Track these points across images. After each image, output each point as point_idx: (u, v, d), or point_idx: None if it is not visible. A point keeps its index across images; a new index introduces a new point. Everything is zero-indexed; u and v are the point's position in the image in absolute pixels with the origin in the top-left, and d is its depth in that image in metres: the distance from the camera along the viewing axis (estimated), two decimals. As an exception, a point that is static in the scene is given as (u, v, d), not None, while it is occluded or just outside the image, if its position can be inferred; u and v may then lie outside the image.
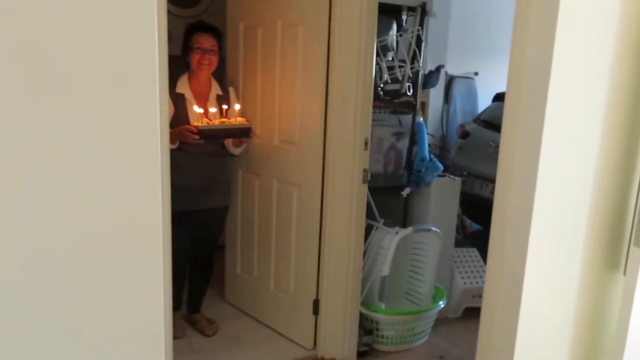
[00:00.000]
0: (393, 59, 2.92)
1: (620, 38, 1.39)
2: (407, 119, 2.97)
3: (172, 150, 2.18)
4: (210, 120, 2.34)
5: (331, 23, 2.24)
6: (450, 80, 4.63)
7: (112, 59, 1.31)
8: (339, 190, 2.35)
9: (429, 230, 2.73)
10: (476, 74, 4.75)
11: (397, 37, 2.92)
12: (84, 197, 1.33)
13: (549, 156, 1.40)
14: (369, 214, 2.72)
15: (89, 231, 1.35)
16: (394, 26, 2.95)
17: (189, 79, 2.46)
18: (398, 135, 2.98)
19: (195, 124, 2.29)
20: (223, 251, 2.99)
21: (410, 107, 2.97)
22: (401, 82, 2.87)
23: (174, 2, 3.45)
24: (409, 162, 2.94)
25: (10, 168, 1.24)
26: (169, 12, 3.52)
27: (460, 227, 3.40)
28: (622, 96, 1.44)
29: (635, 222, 1.48)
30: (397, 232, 2.63)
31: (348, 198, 2.34)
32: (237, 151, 2.60)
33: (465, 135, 4.18)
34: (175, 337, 2.47)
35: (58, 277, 1.34)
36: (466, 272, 3.04)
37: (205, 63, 2.40)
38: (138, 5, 1.32)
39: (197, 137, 2.26)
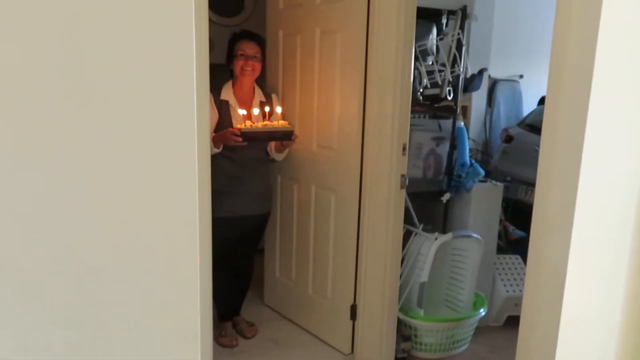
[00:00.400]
0: (433, 64, 2.90)
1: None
2: (447, 123, 2.94)
3: (216, 158, 2.32)
4: (253, 123, 2.36)
5: (369, 29, 2.25)
6: (493, 83, 4.54)
7: (150, 67, 1.36)
8: (376, 195, 2.35)
9: (469, 236, 2.69)
10: (521, 76, 4.64)
11: (437, 41, 2.89)
12: (123, 201, 1.39)
13: (591, 159, 1.36)
14: (408, 220, 2.71)
15: (127, 238, 1.41)
16: (434, 30, 2.92)
17: (233, 86, 2.51)
18: (438, 140, 2.95)
19: (238, 126, 2.32)
20: (262, 254, 3.03)
21: (450, 111, 2.94)
22: (441, 87, 2.84)
23: (217, 11, 3.55)
24: (449, 168, 2.90)
25: (56, 175, 1.32)
26: (211, 20, 3.64)
27: (503, 233, 3.33)
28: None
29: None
30: (436, 238, 2.60)
31: (385, 203, 2.33)
32: (279, 157, 2.62)
33: (509, 139, 4.09)
34: (228, 346, 2.62)
35: (101, 282, 1.40)
36: (509, 279, 2.97)
37: (248, 69, 2.45)
38: (176, 15, 1.37)
39: (239, 139, 2.29)
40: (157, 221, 1.44)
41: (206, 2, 1.84)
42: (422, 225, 2.72)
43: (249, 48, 2.45)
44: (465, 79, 3.39)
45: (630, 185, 1.42)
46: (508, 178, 3.63)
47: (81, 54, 1.29)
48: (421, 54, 2.80)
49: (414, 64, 2.76)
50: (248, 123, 2.33)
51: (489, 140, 4.44)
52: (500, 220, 3.28)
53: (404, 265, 2.63)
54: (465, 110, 3.97)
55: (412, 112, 2.88)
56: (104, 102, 1.33)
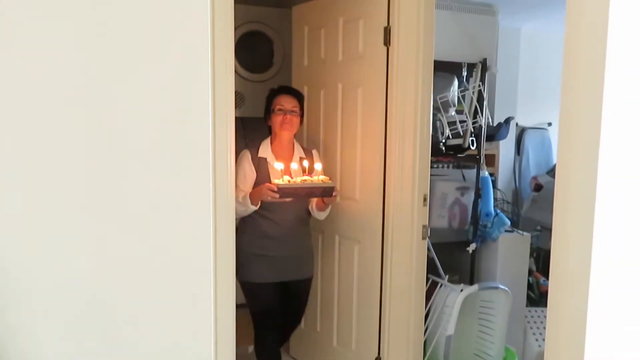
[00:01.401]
0: (455, 114, 2.94)
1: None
2: (471, 173, 2.94)
3: (254, 218, 2.33)
4: (292, 179, 2.23)
5: (388, 84, 2.33)
6: (521, 131, 4.53)
7: (167, 127, 1.45)
8: (398, 246, 2.35)
9: (497, 287, 2.63)
10: (549, 124, 4.61)
11: (458, 92, 2.95)
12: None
13: (604, 209, 1.35)
14: (434, 271, 2.68)
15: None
16: (455, 82, 2.98)
17: (272, 142, 2.43)
18: (462, 190, 2.95)
19: (276, 181, 2.18)
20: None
21: (474, 161, 2.95)
22: (463, 137, 2.87)
23: (247, 67, 3.72)
24: (475, 217, 2.88)
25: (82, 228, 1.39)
26: (240, 76, 3.80)
27: (535, 285, 3.24)
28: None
29: None
30: (461, 290, 2.56)
31: (408, 254, 2.32)
32: (321, 215, 2.47)
33: (538, 188, 4.04)
34: None
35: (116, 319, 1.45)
36: (541, 333, 2.87)
37: (286, 124, 2.37)
38: (194, 82, 1.46)
39: (276, 195, 2.15)
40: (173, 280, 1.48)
41: (232, 58, 1.97)
42: (447, 276, 2.69)
43: (287, 102, 2.39)
44: (492, 128, 3.42)
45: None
46: (538, 227, 3.56)
47: (104, 117, 1.39)
48: (443, 106, 2.85)
49: (436, 115, 2.82)
50: (286, 178, 2.20)
51: (519, 188, 4.39)
52: (531, 271, 3.20)
53: (429, 317, 2.59)
54: (492, 159, 3.97)
55: (435, 162, 2.92)
56: (124, 159, 1.42)
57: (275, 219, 2.35)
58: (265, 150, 2.41)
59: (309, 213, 2.48)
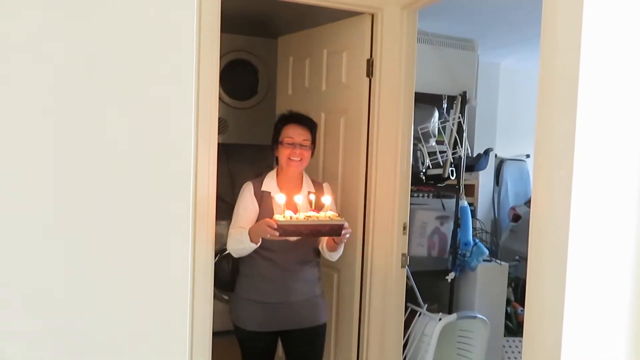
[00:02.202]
0: (436, 145, 3.00)
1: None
2: (451, 202, 2.99)
3: (254, 260, 2.08)
4: (295, 214, 1.95)
5: (370, 114, 2.38)
6: (500, 162, 4.63)
7: (150, 152, 1.46)
8: (378, 274, 2.36)
9: (475, 317, 2.65)
10: (527, 156, 4.72)
11: (439, 124, 3.01)
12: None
13: (578, 239, 1.39)
14: (413, 299, 2.69)
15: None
16: (436, 114, 3.06)
17: (278, 174, 2.18)
18: (442, 219, 2.99)
19: (276, 217, 1.91)
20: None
21: (453, 190, 3.00)
22: (443, 167, 2.93)
23: (230, 94, 3.76)
24: (454, 246, 2.92)
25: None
26: (224, 102, 3.84)
27: (513, 314, 3.26)
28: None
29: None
30: (440, 319, 2.57)
31: (387, 282, 2.34)
32: (333, 256, 2.15)
33: (516, 218, 4.10)
34: None
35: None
36: (519, 364, 2.88)
37: (295, 159, 2.10)
38: (177, 106, 1.49)
39: (276, 232, 1.86)
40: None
41: (216, 85, 2.00)
42: (426, 305, 2.70)
43: (297, 134, 2.11)
44: (471, 159, 3.49)
45: (622, 269, 1.43)
46: (516, 257, 3.61)
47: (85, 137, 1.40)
48: (423, 136, 2.92)
49: (417, 145, 2.88)
50: (288, 214, 1.93)
51: (498, 218, 4.45)
52: (509, 301, 3.23)
53: (408, 346, 2.59)
54: (472, 189, 4.04)
55: (416, 191, 2.97)
56: (107, 179, 1.42)
57: (277, 260, 2.08)
58: (270, 183, 2.16)
59: (319, 253, 2.19)
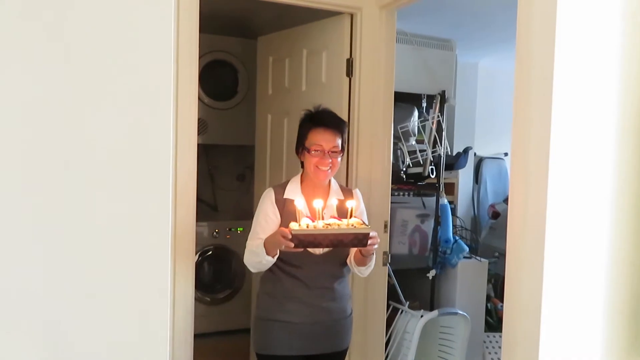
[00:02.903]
0: (416, 144, 3.03)
1: (620, 133, 1.44)
2: (431, 200, 3.02)
3: (275, 274, 1.86)
4: (313, 221, 1.68)
5: (350, 113, 2.39)
6: (479, 161, 4.69)
7: (129, 150, 1.45)
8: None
9: (456, 313, 2.68)
10: (506, 154, 4.79)
11: (418, 123, 3.04)
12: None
13: (554, 236, 1.42)
14: (394, 297, 2.71)
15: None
16: (416, 113, 3.08)
17: (302, 180, 1.93)
18: (422, 217, 3.02)
19: (292, 226, 1.66)
20: (248, 334, 2.99)
21: (434, 189, 3.03)
22: (423, 166, 2.95)
23: (210, 95, 3.74)
24: (435, 244, 2.95)
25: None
26: (204, 103, 3.82)
27: (493, 310, 3.31)
28: (632, 177, 1.47)
29: (653, 306, 1.45)
30: (422, 316, 2.59)
31: (369, 280, 2.35)
32: (362, 271, 1.90)
33: (496, 215, 4.16)
34: None
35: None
36: (499, 358, 2.92)
37: (324, 169, 1.85)
38: (156, 107, 1.47)
39: (291, 243, 1.63)
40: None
41: (196, 86, 1.99)
42: (408, 303, 2.72)
43: (326, 142, 1.84)
44: (451, 157, 3.54)
45: (598, 266, 1.47)
46: (496, 254, 3.66)
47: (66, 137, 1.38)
48: (403, 135, 2.94)
49: (397, 144, 2.90)
50: (304, 222, 1.67)
51: (477, 216, 4.51)
52: (489, 297, 3.28)
53: (390, 344, 2.61)
54: (452, 187, 4.08)
55: (396, 190, 2.99)
56: (86, 178, 1.40)
57: (301, 276, 1.85)
58: (293, 189, 1.91)
59: (346, 268, 1.94)
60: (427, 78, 2.96)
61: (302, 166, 1.92)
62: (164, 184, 1.48)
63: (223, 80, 3.82)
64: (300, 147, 1.91)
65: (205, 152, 3.82)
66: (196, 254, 2.04)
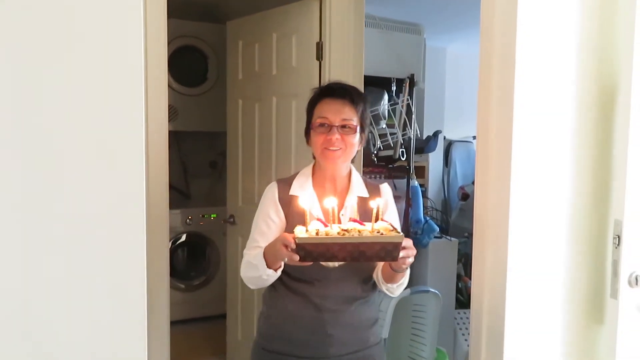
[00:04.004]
0: (386, 127, 3.07)
1: (581, 110, 1.51)
2: (402, 183, 3.08)
3: (280, 296, 1.50)
4: (326, 226, 1.27)
5: (321, 97, 2.41)
6: (449, 144, 4.78)
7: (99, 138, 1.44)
8: (333, 254, 2.41)
9: (428, 291, 2.75)
10: (474, 137, 4.89)
11: (388, 106, 3.08)
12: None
13: (517, 215, 1.47)
14: (368, 277, 2.76)
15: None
16: (385, 96, 3.12)
17: (314, 172, 1.55)
18: (394, 199, 3.06)
19: (297, 232, 1.26)
20: (225, 319, 3.02)
21: (404, 171, 3.09)
22: (394, 149, 3.00)
23: (179, 81, 3.70)
24: (406, 225, 3.01)
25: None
26: (174, 90, 3.79)
27: (464, 288, 3.40)
28: (590, 157, 1.53)
29: (610, 276, 1.52)
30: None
31: (343, 261, 2.39)
32: (393, 290, 1.52)
33: (465, 197, 4.26)
34: None
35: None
36: (469, 334, 3.01)
37: (333, 149, 1.45)
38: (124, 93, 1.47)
39: (295, 256, 1.23)
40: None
41: (165, 72, 1.98)
42: (381, 283, 2.78)
43: (333, 112, 1.45)
44: (421, 141, 3.59)
45: (558, 237, 1.53)
46: (465, 234, 3.76)
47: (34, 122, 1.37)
48: (374, 118, 2.97)
49: (368, 127, 2.93)
50: (315, 227, 1.27)
51: (448, 198, 4.60)
52: (460, 276, 3.37)
53: (365, 323, 2.66)
54: (422, 170, 4.16)
55: (368, 172, 3.03)
56: (54, 169, 1.39)
57: (312, 295, 1.46)
58: (302, 183, 1.53)
59: (375, 285, 1.55)
60: (396, 62, 3.00)
61: (314, 157, 1.56)
62: (136, 171, 1.48)
63: (193, 66, 3.78)
64: (308, 127, 1.54)
65: (177, 139, 3.79)
66: (170, 241, 2.04)
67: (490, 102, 1.51)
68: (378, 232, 1.25)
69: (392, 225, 1.30)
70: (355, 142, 1.48)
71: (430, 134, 4.02)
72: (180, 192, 4.10)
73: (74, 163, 1.40)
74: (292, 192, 1.51)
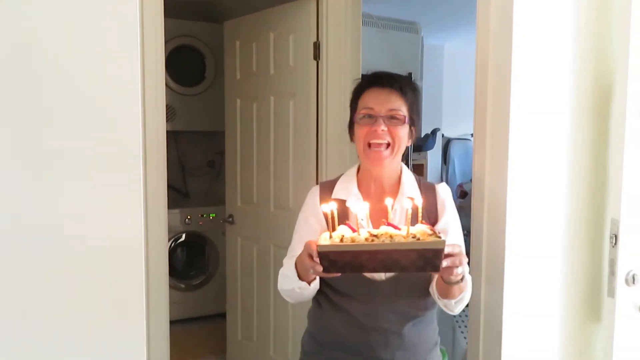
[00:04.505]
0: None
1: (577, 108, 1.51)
2: (400, 181, 3.08)
3: (323, 309, 1.36)
4: (354, 231, 1.13)
5: (319, 96, 2.41)
6: (447, 142, 4.78)
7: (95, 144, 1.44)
8: (332, 253, 2.41)
9: (426, 290, 2.76)
10: (472, 135, 4.90)
11: (386, 105, 3.08)
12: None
13: (514, 214, 1.48)
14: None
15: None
16: (383, 95, 3.12)
17: (359, 173, 1.40)
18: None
19: (322, 238, 1.13)
20: (224, 318, 3.02)
21: (402, 170, 3.09)
22: (392, 147, 3.01)
23: (177, 81, 3.70)
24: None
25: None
26: (172, 89, 3.78)
27: (462, 286, 3.41)
28: (586, 156, 1.54)
29: (607, 275, 1.53)
30: (393, 293, 2.65)
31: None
32: (453, 307, 1.32)
33: (463, 195, 4.26)
34: None
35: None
36: (468, 332, 3.02)
37: (377, 142, 1.29)
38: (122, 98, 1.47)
39: (319, 266, 1.09)
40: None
41: (162, 72, 1.98)
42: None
43: (380, 102, 1.30)
44: (420, 139, 3.59)
45: (555, 237, 1.54)
46: (465, 232, 3.76)
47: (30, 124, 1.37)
48: (372, 118, 2.98)
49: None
50: (339, 233, 1.13)
51: (446, 196, 4.61)
52: (458, 274, 3.37)
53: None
54: (421, 168, 4.16)
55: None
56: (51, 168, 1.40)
57: (356, 311, 1.31)
58: (346, 185, 1.38)
59: (434, 301, 1.36)
60: (394, 60, 3.00)
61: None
62: (134, 172, 1.48)
63: (190, 66, 3.78)
64: (351, 124, 1.38)
65: (175, 139, 3.80)
66: (168, 241, 2.04)
67: (487, 100, 1.52)
68: (414, 237, 1.07)
69: (431, 229, 1.10)
70: (404, 135, 1.31)
71: (429, 132, 4.02)
72: (179, 192, 4.10)
73: (71, 164, 1.40)
74: (335, 195, 1.36)
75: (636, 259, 1.44)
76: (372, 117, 1.30)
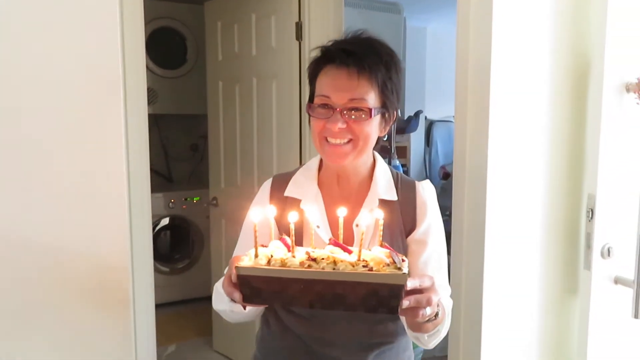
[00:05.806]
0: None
1: (555, 95, 1.53)
2: (383, 163, 3.10)
3: (272, 336, 1.12)
4: (289, 250, 0.87)
5: (302, 77, 2.40)
6: (430, 124, 4.80)
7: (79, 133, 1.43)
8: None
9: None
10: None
11: (369, 87, 3.09)
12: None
13: (494, 191, 1.51)
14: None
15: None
16: (366, 77, 3.12)
17: (321, 166, 1.15)
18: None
19: (242, 261, 0.86)
20: (210, 301, 3.04)
21: (385, 151, 3.11)
22: (375, 129, 3.02)
23: (158, 63, 3.65)
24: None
25: None
26: (153, 72, 3.73)
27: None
28: (564, 133, 1.57)
29: (584, 248, 1.58)
30: (377, 273, 2.68)
31: (326, 241, 2.42)
32: (425, 341, 1.03)
33: (446, 176, 4.30)
34: None
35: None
36: (451, 310, 3.08)
37: (334, 142, 1.02)
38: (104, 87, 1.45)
39: (237, 293, 0.86)
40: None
41: (143, 54, 1.96)
42: (364, 262, 2.82)
43: (338, 89, 1.01)
44: (403, 121, 3.61)
45: (534, 214, 1.57)
46: (447, 213, 3.81)
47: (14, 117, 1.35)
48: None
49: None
50: (272, 248, 0.88)
51: (429, 177, 4.65)
52: (441, 254, 3.42)
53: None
54: (404, 150, 4.18)
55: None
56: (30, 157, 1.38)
57: (312, 340, 1.08)
58: (303, 181, 1.12)
59: (403, 327, 1.08)
60: (376, 42, 3.00)
61: None
62: (117, 156, 1.47)
63: (171, 48, 3.73)
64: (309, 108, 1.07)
65: (157, 122, 3.76)
66: (152, 225, 2.04)
67: (467, 81, 1.54)
68: (365, 266, 0.80)
69: (393, 255, 0.81)
70: (371, 129, 1.01)
71: (412, 114, 4.04)
72: (162, 176, 4.08)
73: (53, 149, 1.39)
74: (288, 192, 1.10)
75: (611, 232, 1.49)
76: (328, 108, 1.00)
